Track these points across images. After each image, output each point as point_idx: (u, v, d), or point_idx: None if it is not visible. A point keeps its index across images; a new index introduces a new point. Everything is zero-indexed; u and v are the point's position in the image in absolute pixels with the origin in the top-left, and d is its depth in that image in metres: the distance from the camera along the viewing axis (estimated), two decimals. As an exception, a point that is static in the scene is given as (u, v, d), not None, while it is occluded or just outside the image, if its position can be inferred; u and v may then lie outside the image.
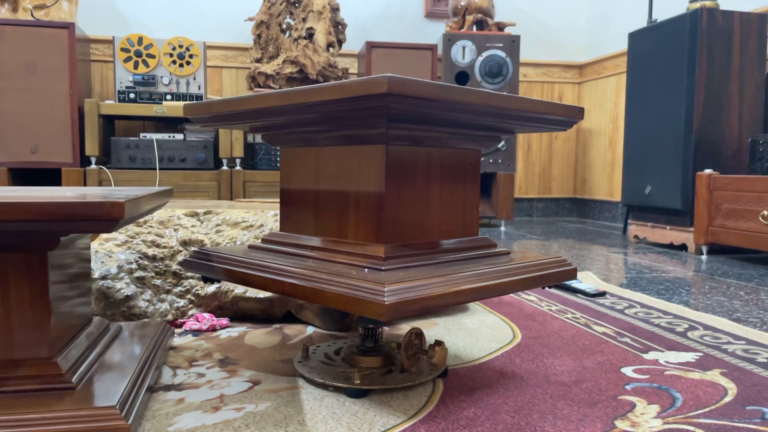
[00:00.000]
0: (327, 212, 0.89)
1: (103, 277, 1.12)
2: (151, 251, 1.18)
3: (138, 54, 2.93)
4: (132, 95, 2.92)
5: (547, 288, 0.93)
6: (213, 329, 1.15)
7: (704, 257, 2.31)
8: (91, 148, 2.80)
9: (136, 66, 2.93)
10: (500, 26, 3.43)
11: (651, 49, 2.64)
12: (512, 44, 3.26)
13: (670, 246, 2.62)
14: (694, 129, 2.41)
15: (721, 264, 2.15)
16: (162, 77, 2.96)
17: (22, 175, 2.94)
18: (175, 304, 1.18)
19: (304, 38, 3.18)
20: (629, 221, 2.86)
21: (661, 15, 3.18)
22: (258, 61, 3.23)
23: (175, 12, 3.45)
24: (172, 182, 2.83)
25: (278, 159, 3.03)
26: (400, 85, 0.68)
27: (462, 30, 3.40)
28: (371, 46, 3.25)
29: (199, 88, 3.00)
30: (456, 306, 1.16)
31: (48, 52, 2.77)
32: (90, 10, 3.35)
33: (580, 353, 1.05)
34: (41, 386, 0.69)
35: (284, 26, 3.27)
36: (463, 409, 0.79)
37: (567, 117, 0.89)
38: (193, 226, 1.25)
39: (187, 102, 2.89)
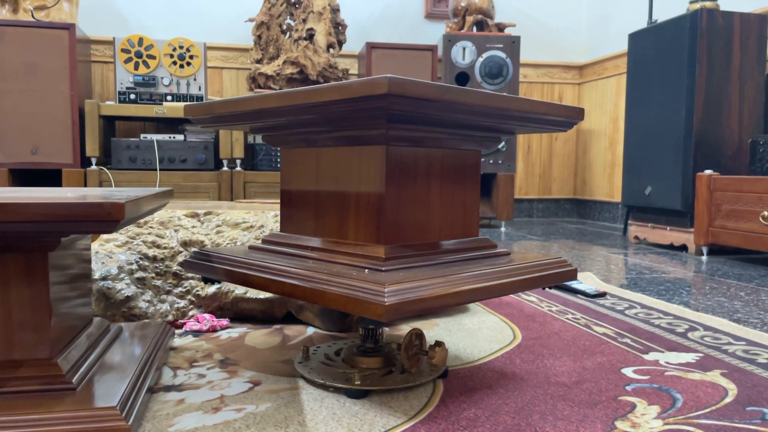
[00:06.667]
0: (327, 213, 0.89)
1: (104, 278, 1.12)
2: (151, 252, 1.18)
3: (138, 55, 2.93)
4: (132, 96, 2.92)
5: (547, 289, 0.93)
6: (213, 330, 1.15)
7: (704, 258, 2.31)
8: (92, 148, 2.80)
9: (136, 67, 2.93)
10: (500, 27, 3.43)
11: (651, 49, 2.64)
12: (512, 45, 3.26)
13: (671, 247, 2.62)
14: (694, 130, 2.41)
15: (721, 265, 2.15)
16: (162, 78, 2.96)
17: (23, 176, 2.94)
18: (176, 305, 1.18)
19: (305, 39, 3.18)
20: (629, 222, 2.86)
21: (662, 16, 3.18)
22: (258, 62, 3.23)
23: (175, 13, 3.45)
24: (173, 183, 2.83)
25: (278, 160, 3.03)
26: (400, 85, 0.68)
27: (462, 31, 3.41)
28: (371, 47, 3.25)
29: (200, 89, 3.00)
30: (456, 306, 1.16)
31: (48, 53, 2.78)
32: (90, 11, 3.35)
33: (580, 354, 1.05)
34: (41, 387, 0.69)
35: (284, 27, 3.27)
36: (464, 409, 0.79)
37: (567, 118, 0.89)
38: (193, 226, 1.25)
39: (188, 103, 2.89)
